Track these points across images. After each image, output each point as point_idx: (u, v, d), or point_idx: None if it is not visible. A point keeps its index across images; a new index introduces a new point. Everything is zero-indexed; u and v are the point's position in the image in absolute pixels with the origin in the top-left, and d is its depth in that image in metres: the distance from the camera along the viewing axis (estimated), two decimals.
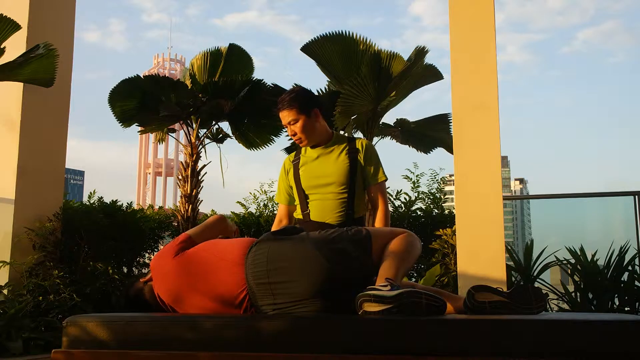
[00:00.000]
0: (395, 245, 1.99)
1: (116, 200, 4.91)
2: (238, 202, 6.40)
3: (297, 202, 2.80)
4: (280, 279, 1.93)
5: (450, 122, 5.48)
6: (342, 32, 5.66)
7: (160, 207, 6.83)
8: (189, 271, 2.07)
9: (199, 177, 6.03)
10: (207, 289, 2.03)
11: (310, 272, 1.92)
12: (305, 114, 2.72)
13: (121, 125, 5.90)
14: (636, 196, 4.90)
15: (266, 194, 6.29)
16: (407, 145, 6.28)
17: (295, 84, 5.73)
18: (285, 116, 2.71)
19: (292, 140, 5.90)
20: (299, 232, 2.09)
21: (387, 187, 2.83)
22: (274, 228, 2.78)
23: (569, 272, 4.55)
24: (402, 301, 1.72)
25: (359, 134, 5.92)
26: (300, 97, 2.72)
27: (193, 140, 6.04)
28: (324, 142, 2.77)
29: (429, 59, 5.81)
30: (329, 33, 5.66)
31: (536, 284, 4.60)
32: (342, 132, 5.89)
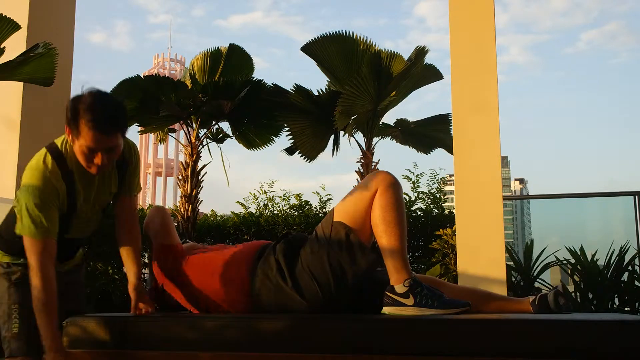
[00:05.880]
0: (381, 227, 1.87)
1: None
2: (238, 202, 6.41)
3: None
4: (286, 309, 1.97)
5: (451, 123, 5.48)
6: (342, 32, 5.66)
7: None
8: (195, 277, 2.10)
9: (199, 177, 6.03)
10: (212, 292, 2.07)
11: (310, 305, 1.95)
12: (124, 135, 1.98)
13: None
14: (636, 196, 4.91)
15: (266, 194, 6.30)
16: (407, 146, 6.28)
17: (296, 84, 5.73)
18: (110, 141, 1.85)
19: (293, 141, 5.95)
20: (299, 248, 2.03)
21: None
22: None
23: (569, 272, 4.56)
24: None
25: (359, 134, 5.92)
26: (126, 116, 1.97)
27: (193, 140, 6.05)
28: None
29: (432, 60, 5.84)
30: (329, 33, 5.66)
31: (536, 284, 4.60)
32: (342, 133, 5.89)
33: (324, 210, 6.04)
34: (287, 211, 6.02)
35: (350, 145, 6.00)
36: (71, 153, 1.92)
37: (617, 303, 4.34)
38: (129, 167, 2.11)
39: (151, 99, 5.67)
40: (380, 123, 6.04)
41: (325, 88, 5.95)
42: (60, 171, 1.90)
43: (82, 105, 1.81)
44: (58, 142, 1.96)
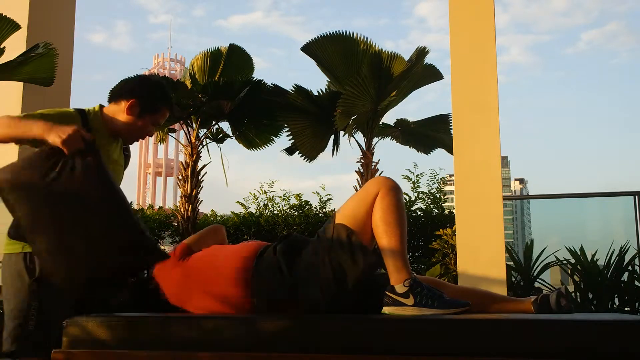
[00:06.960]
0: (382, 228, 1.89)
1: None
2: (238, 202, 6.41)
3: None
4: (286, 309, 1.96)
5: (451, 123, 5.48)
6: (342, 32, 5.66)
7: (160, 207, 6.83)
8: (192, 277, 2.09)
9: (199, 177, 6.04)
10: (212, 291, 2.06)
11: (311, 305, 1.94)
12: None
13: None
14: (636, 196, 4.91)
15: (266, 194, 6.30)
16: (407, 146, 6.28)
17: (296, 84, 5.74)
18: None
19: (293, 141, 5.94)
20: (300, 249, 2.03)
21: None
22: None
23: (569, 272, 4.56)
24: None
25: (359, 135, 5.92)
26: None
27: (193, 140, 6.05)
28: None
29: (432, 60, 5.86)
30: (329, 33, 5.66)
31: (536, 284, 4.61)
32: (342, 133, 5.89)
33: (324, 210, 6.05)
34: (287, 211, 6.02)
35: (350, 146, 6.02)
36: (96, 124, 2.08)
37: (617, 303, 4.33)
38: (128, 155, 2.29)
39: None
40: (381, 123, 6.04)
41: (325, 88, 5.96)
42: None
43: (163, 90, 2.16)
44: (85, 109, 2.12)
